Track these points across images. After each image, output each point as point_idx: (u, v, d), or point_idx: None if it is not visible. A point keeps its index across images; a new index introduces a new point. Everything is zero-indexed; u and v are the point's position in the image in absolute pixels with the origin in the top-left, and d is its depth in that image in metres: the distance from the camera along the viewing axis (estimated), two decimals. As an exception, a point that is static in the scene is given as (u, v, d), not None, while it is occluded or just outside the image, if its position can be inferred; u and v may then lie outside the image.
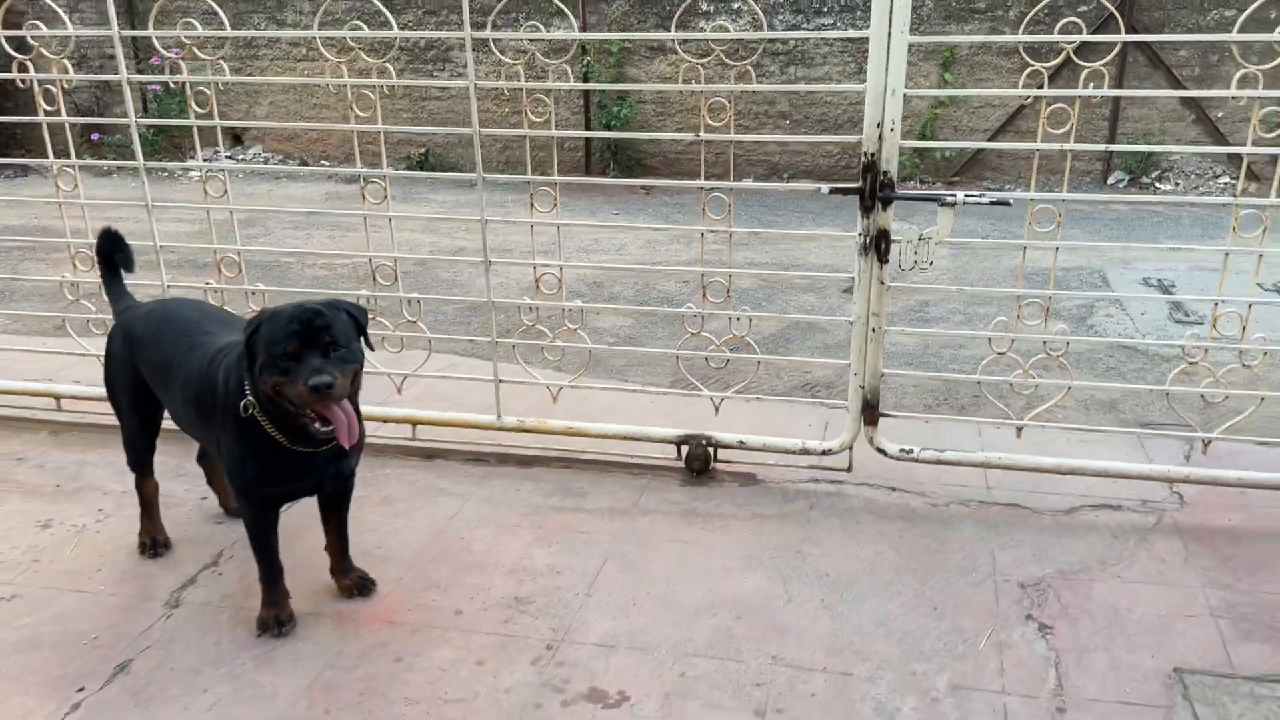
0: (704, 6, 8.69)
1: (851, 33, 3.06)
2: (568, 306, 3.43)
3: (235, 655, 2.58)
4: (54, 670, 2.53)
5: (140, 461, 2.97)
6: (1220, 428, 3.19)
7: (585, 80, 8.68)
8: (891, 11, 2.83)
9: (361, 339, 2.47)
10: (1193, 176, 9.20)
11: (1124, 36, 3.07)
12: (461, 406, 3.79)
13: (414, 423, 3.69)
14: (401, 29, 3.41)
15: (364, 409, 2.61)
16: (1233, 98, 2.95)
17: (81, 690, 2.46)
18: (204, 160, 3.96)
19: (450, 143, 9.30)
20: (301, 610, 2.73)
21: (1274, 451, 3.51)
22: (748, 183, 4.56)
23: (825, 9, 8.81)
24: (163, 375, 2.71)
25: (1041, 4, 3.24)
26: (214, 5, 3.36)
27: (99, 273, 3.11)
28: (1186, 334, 3.29)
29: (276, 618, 2.66)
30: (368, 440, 2.73)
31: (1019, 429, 3.29)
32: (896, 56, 2.86)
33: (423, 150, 9.45)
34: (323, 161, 9.91)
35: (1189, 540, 3.02)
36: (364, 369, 2.50)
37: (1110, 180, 9.33)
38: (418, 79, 9.14)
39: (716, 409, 3.50)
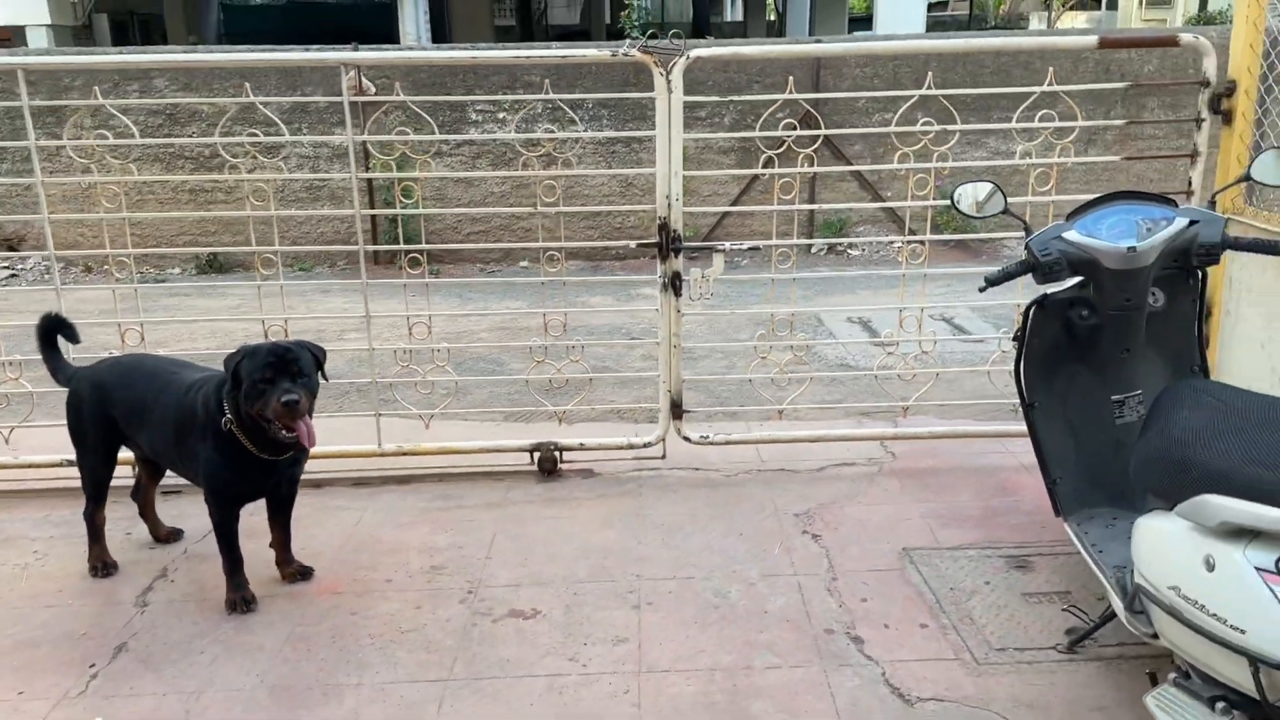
0: (473, 116, 9.63)
1: (645, 132, 4.03)
2: (437, 348, 4.15)
3: (215, 629, 3.08)
4: (61, 658, 2.93)
5: (99, 493, 3.39)
6: (913, 397, 4.35)
7: (370, 182, 9.33)
8: (670, 117, 3.84)
9: (319, 372, 3.11)
10: (875, 245, 11.04)
11: (822, 131, 4.25)
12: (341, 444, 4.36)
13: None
14: (187, 139, 4.02)
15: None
16: (892, 172, 4.16)
17: (93, 666, 2.88)
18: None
19: (237, 242, 9.58)
20: (258, 595, 3.25)
21: (952, 414, 4.74)
22: (575, 243, 5.25)
23: (577, 119, 9.98)
24: (138, 411, 3.19)
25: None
26: (120, 116, 3.86)
27: (39, 350, 3.51)
28: (884, 335, 4.45)
29: (243, 598, 3.18)
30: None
31: (780, 412, 4.32)
32: (676, 148, 3.86)
33: (211, 251, 9.70)
34: (105, 266, 9.86)
35: (902, 478, 4.12)
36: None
37: (813, 251, 11.00)
38: (204, 182, 9.44)
39: (560, 421, 4.30)
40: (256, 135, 3.86)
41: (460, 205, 9.51)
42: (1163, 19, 22.08)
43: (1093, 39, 4.18)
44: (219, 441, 3.00)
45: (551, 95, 4.06)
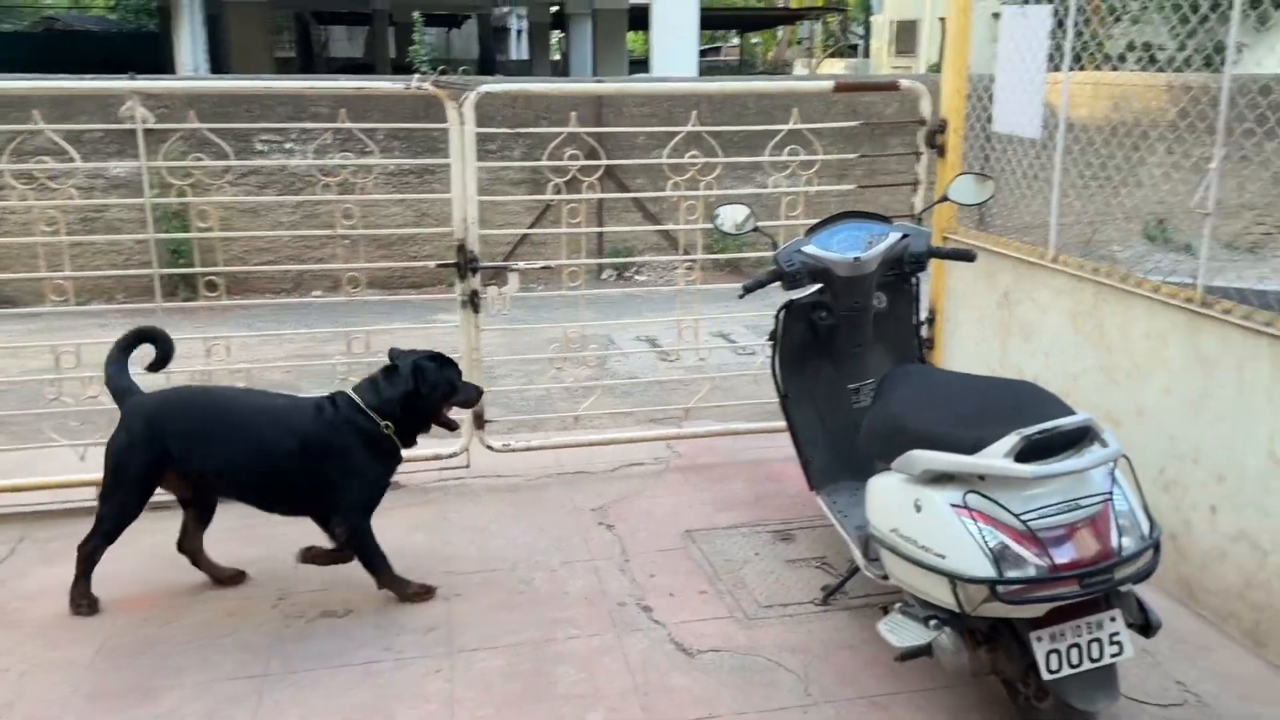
0: (259, 146, 9.48)
1: (440, 160, 4.26)
2: (235, 369, 4.20)
3: (19, 648, 3.05)
4: None
5: (117, 532, 3.31)
6: (692, 401, 4.78)
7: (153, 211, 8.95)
8: (464, 147, 4.10)
9: None
10: (660, 270, 11.68)
11: (604, 161, 4.63)
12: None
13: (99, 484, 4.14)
14: None
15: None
16: (672, 203, 4.61)
17: (-115, 695, 2.80)
18: None
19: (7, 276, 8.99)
20: (48, 616, 3.22)
21: (728, 416, 5.22)
22: (375, 264, 5.22)
23: (373, 149, 10.00)
24: (203, 437, 3.24)
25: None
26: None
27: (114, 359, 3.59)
28: (666, 345, 4.87)
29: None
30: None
31: (576, 419, 4.64)
32: (470, 175, 4.12)
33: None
34: None
35: (685, 473, 4.53)
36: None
37: (602, 276, 11.51)
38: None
39: (364, 435, 4.44)
40: (45, 161, 3.81)
41: (243, 235, 9.34)
42: (909, 65, 24.46)
43: (829, 84, 4.79)
44: (372, 449, 3.22)
45: (346, 124, 4.24)
